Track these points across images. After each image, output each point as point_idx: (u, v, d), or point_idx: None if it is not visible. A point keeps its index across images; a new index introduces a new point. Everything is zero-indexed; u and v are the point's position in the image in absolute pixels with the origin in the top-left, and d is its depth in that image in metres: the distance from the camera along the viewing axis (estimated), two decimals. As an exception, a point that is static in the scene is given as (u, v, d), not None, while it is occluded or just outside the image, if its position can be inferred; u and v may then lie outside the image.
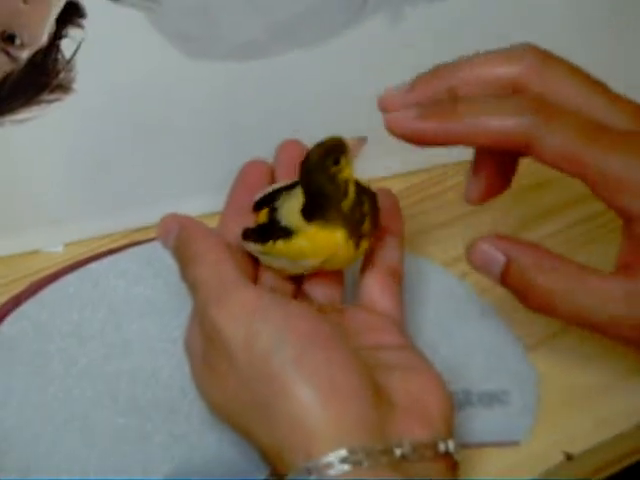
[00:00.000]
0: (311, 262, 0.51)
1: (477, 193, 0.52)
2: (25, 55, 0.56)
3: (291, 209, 0.51)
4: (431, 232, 0.62)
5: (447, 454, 0.46)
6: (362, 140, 0.51)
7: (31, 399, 0.54)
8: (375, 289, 0.53)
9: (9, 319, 0.58)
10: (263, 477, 0.50)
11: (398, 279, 0.54)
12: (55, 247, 0.64)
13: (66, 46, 0.58)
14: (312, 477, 0.43)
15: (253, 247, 0.53)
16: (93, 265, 0.62)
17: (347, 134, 0.50)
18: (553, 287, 0.47)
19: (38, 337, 0.57)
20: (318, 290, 0.54)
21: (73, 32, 0.57)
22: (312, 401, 0.44)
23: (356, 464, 0.43)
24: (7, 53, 0.56)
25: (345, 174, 0.50)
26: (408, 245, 0.58)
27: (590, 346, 0.54)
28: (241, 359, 0.46)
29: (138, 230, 0.63)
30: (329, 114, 0.62)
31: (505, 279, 0.48)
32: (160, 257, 0.57)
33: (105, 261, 0.62)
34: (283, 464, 0.45)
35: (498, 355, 0.55)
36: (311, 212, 0.50)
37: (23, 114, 0.58)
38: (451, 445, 0.46)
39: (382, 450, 0.44)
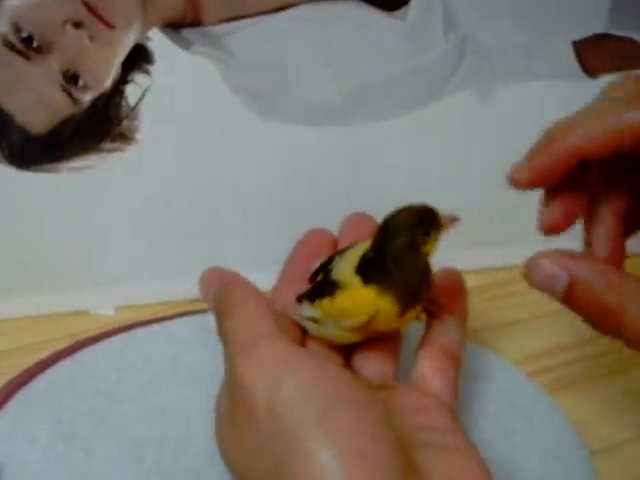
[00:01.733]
0: (352, 322, 0.48)
1: (553, 219, 0.47)
2: (88, 98, 0.56)
3: (343, 267, 0.49)
4: (505, 328, 0.61)
5: None
6: (455, 219, 0.49)
7: (54, 451, 0.52)
8: (428, 368, 0.50)
9: (45, 374, 0.57)
10: None
11: (455, 362, 0.51)
12: (105, 309, 0.61)
13: (131, 93, 0.56)
14: None
15: (302, 312, 0.51)
16: (140, 330, 0.60)
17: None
18: (622, 306, 0.43)
19: (70, 393, 0.56)
20: (368, 364, 0.51)
21: (139, 78, 0.57)
22: (331, 464, 0.40)
23: None
24: (69, 94, 0.55)
25: (429, 248, 0.48)
26: (479, 339, 0.58)
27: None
28: (262, 414, 0.42)
29: (193, 301, 0.59)
30: (404, 190, 0.58)
31: (569, 298, 0.45)
32: (212, 328, 0.53)
33: (154, 327, 0.60)
34: None
35: (558, 457, 0.52)
36: (372, 274, 0.48)
37: (81, 162, 0.57)
38: None
39: None
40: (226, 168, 0.60)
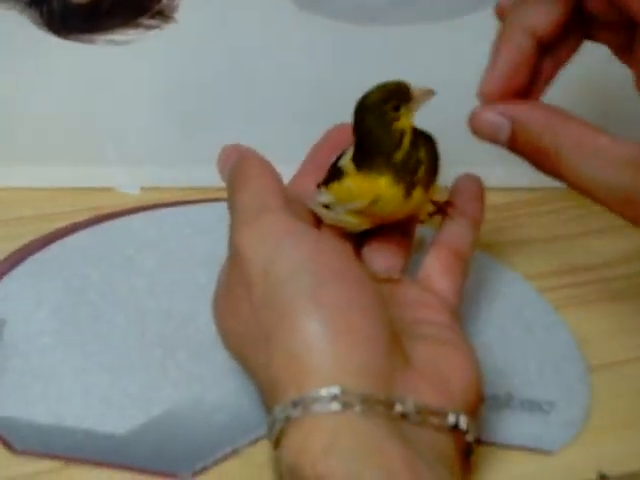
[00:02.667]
0: (359, 204, 0.49)
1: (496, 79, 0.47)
2: None
3: (348, 155, 0.50)
4: (522, 245, 0.61)
5: (457, 430, 0.42)
6: (429, 92, 0.49)
7: (60, 312, 0.54)
8: (434, 266, 0.51)
9: (62, 241, 0.58)
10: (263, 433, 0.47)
11: (463, 263, 0.51)
12: (131, 188, 0.63)
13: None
14: (296, 411, 0.40)
15: (317, 199, 0.51)
16: (162, 210, 0.61)
17: (453, 122, 0.48)
18: (560, 146, 0.44)
19: (84, 262, 0.57)
20: (376, 257, 0.52)
21: (181, -43, 0.55)
22: (316, 334, 0.41)
23: (347, 406, 0.40)
24: None
25: (402, 124, 0.48)
26: (494, 253, 0.58)
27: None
28: (258, 285, 0.43)
29: (219, 189, 0.59)
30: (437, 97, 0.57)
31: (512, 143, 0.46)
32: None
33: (176, 209, 0.62)
34: (275, 400, 0.42)
35: (555, 368, 0.53)
36: (359, 159, 0.49)
37: (119, 35, 0.58)
38: (463, 420, 0.42)
39: (380, 400, 0.40)
40: (261, 56, 0.60)
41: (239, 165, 0.48)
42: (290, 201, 0.47)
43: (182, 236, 0.59)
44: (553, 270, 0.58)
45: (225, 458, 0.47)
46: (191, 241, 0.58)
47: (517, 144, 0.45)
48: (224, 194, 0.59)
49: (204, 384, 0.50)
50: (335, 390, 0.40)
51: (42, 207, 0.61)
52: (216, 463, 0.47)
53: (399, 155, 0.48)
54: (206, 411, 0.49)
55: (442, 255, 0.51)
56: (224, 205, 0.58)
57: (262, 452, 0.46)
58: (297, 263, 0.43)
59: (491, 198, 0.55)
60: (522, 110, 0.46)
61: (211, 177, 0.60)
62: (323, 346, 0.41)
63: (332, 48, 0.60)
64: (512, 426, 0.49)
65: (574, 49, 0.49)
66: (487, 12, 0.59)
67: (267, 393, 0.42)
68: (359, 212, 0.49)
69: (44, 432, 0.47)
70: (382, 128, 0.48)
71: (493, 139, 0.46)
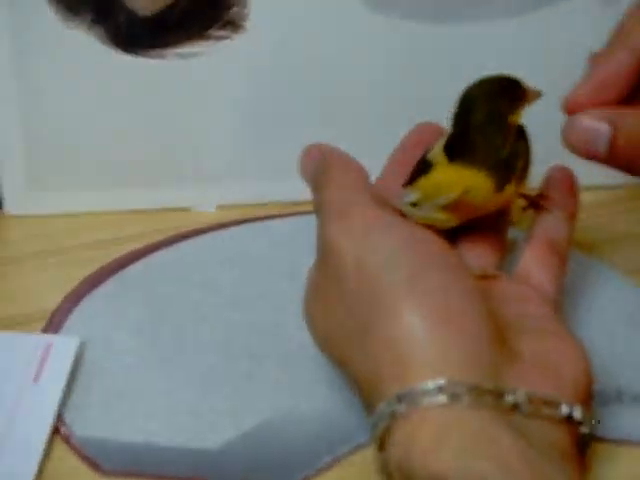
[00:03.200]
0: (446, 198, 0.47)
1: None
2: None
3: (437, 147, 0.48)
4: (619, 242, 0.59)
5: (572, 421, 0.40)
6: (539, 93, 0.47)
7: (142, 331, 0.52)
8: (531, 260, 0.49)
9: (142, 261, 0.57)
10: (364, 440, 0.46)
11: (560, 256, 0.50)
12: (207, 207, 0.61)
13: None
14: (401, 406, 0.38)
15: (404, 198, 0.49)
16: (240, 227, 0.60)
17: (535, 119, 0.47)
18: None
19: (164, 281, 0.56)
20: (471, 255, 0.50)
21: (250, -36, 0.54)
22: (417, 325, 0.39)
23: (455, 398, 0.38)
24: None
25: (515, 120, 0.47)
26: (591, 251, 0.57)
27: None
28: (351, 279, 0.42)
29: (296, 203, 0.58)
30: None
31: (614, 151, 0.42)
32: (312, 228, 0.53)
33: (254, 225, 0.60)
34: (377, 397, 0.39)
35: None
36: (457, 149, 0.47)
37: (188, 48, 0.56)
38: (578, 411, 0.40)
39: (489, 390, 0.38)
40: (336, 61, 0.59)
41: (323, 163, 0.47)
42: (377, 199, 0.46)
43: (261, 250, 0.57)
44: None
45: (325, 468, 0.45)
46: (271, 255, 0.57)
47: (618, 148, 0.42)
48: (301, 208, 0.59)
49: (295, 393, 0.48)
50: (442, 382, 0.38)
51: (119, 230, 0.60)
52: (316, 473, 0.45)
53: (504, 152, 0.46)
54: (300, 421, 0.47)
55: (540, 249, 0.49)
56: (303, 218, 0.58)
57: (363, 459, 0.44)
58: (391, 252, 0.41)
59: (583, 197, 0.53)
60: (621, 112, 0.43)
61: (288, 191, 0.59)
62: (425, 336, 0.39)
63: (407, 48, 0.59)
64: (626, 421, 0.47)
65: None
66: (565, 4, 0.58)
67: (366, 391, 0.40)
68: (448, 207, 0.47)
69: (132, 451, 0.46)
70: (495, 122, 0.46)
71: (590, 149, 0.43)
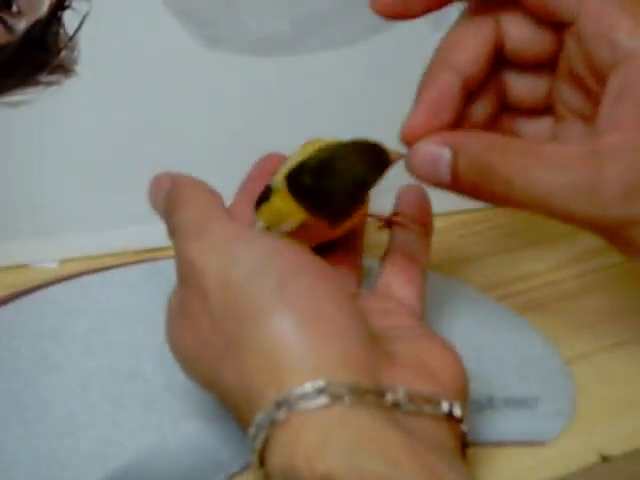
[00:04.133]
0: (288, 225, 0.47)
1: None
2: (22, 26, 0.54)
3: (279, 173, 0.49)
4: (472, 261, 0.61)
5: (452, 418, 0.40)
6: (401, 156, 0.46)
7: None
8: (392, 275, 0.50)
9: None
10: (238, 468, 0.45)
11: (420, 269, 0.50)
12: (48, 262, 0.59)
13: (69, 20, 0.53)
14: (280, 412, 0.37)
15: (256, 225, 0.50)
16: (87, 277, 0.57)
17: None
18: (508, 167, 0.42)
19: (10, 335, 0.53)
20: None
21: (77, 4, 0.54)
22: (288, 330, 0.39)
23: (336, 398, 0.37)
24: (2, 21, 0.52)
25: (374, 184, 0.47)
26: (446, 270, 0.58)
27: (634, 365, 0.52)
28: (216, 294, 0.41)
29: (140, 252, 0.57)
30: (351, 122, 0.55)
31: (455, 175, 0.43)
32: (163, 273, 0.54)
33: (101, 274, 0.58)
34: (254, 409, 0.38)
35: (532, 366, 0.52)
36: (300, 190, 0.47)
37: (18, 96, 0.54)
38: (457, 408, 0.40)
39: (369, 389, 0.38)
40: (168, 102, 0.58)
41: (174, 187, 0.46)
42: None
43: (111, 299, 0.55)
44: (505, 279, 0.58)
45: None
46: (122, 302, 0.55)
47: (460, 173, 0.43)
48: (147, 255, 0.57)
49: (162, 431, 0.46)
50: (320, 383, 0.37)
51: None
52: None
53: (343, 200, 0.47)
54: (169, 456, 0.45)
55: (398, 263, 0.50)
56: (150, 265, 0.57)
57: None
58: (256, 263, 0.40)
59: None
60: (461, 136, 0.44)
61: (131, 240, 0.58)
62: (297, 340, 0.38)
63: (243, 83, 0.59)
64: (499, 424, 0.48)
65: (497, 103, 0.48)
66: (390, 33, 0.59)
67: (243, 406, 0.39)
68: (291, 233, 0.48)
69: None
70: (354, 189, 0.46)
71: (433, 175, 0.44)
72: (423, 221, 0.51)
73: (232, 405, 0.40)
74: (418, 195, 0.52)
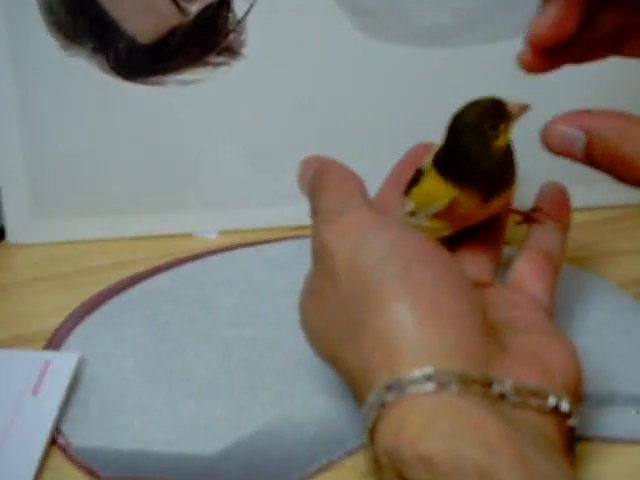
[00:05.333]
0: (437, 206, 0.49)
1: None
2: (195, 8, 0.57)
3: (429, 157, 0.51)
4: (614, 257, 0.61)
5: (559, 412, 0.41)
6: (525, 107, 0.49)
7: (142, 349, 0.53)
8: (525, 269, 0.51)
9: (143, 283, 0.59)
10: (357, 446, 0.46)
11: (553, 265, 0.51)
12: (208, 233, 0.63)
13: (238, 5, 0.56)
14: (390, 395, 0.39)
15: (399, 212, 0.52)
16: (240, 250, 0.61)
17: (527, 142, 0.48)
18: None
19: (165, 302, 0.57)
20: (466, 262, 0.52)
21: (247, -11, 0.56)
22: (406, 316, 0.40)
23: (443, 386, 0.38)
24: (177, 4, 0.56)
25: (501, 142, 0.49)
26: (585, 265, 0.58)
27: None
28: (343, 275, 0.43)
29: (297, 228, 0.59)
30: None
31: (589, 156, 0.43)
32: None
33: (253, 248, 0.62)
34: (368, 389, 0.40)
35: None
36: (445, 166, 0.49)
37: (188, 75, 0.57)
38: (565, 403, 0.41)
39: (477, 379, 0.39)
40: (333, 85, 0.61)
41: (320, 172, 0.48)
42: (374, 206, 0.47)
43: (260, 272, 0.59)
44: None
45: (321, 470, 0.46)
46: (270, 276, 0.58)
47: (594, 156, 0.43)
48: (299, 232, 0.60)
49: (293, 402, 0.49)
50: (429, 370, 0.39)
51: (122, 256, 0.61)
52: (312, 475, 0.45)
53: (492, 171, 0.48)
54: (297, 426, 0.48)
55: (532, 258, 0.51)
56: (299, 241, 0.60)
57: (359, 463, 0.44)
58: (382, 249, 0.42)
59: (573, 218, 0.54)
60: (596, 120, 0.44)
61: (288, 216, 0.60)
62: (412, 327, 0.40)
63: (404, 72, 0.60)
64: (619, 421, 0.48)
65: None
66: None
67: (360, 385, 0.41)
68: (438, 215, 0.50)
69: (130, 458, 0.47)
70: (481, 148, 0.48)
71: (568, 153, 0.44)
72: (562, 219, 0.52)
73: (351, 382, 0.43)
74: (559, 192, 0.53)
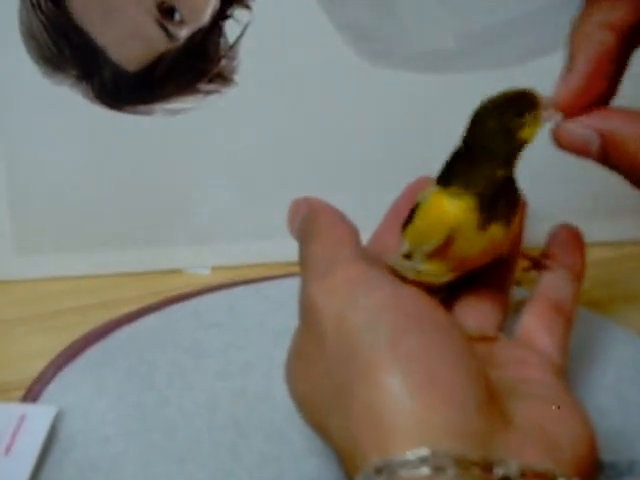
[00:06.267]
0: (432, 244, 0.45)
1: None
2: (184, 34, 0.54)
3: (428, 188, 0.47)
4: (634, 299, 0.57)
5: None
6: (553, 100, 0.44)
7: (123, 400, 0.50)
8: (534, 322, 0.47)
9: (129, 326, 0.55)
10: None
11: (565, 317, 0.47)
12: (201, 269, 0.60)
13: (230, 29, 0.54)
14: (380, 479, 0.36)
15: (396, 254, 0.48)
16: (234, 289, 0.58)
17: (540, 173, 0.47)
18: None
19: (152, 347, 0.54)
20: (469, 312, 0.48)
21: (239, 13, 0.54)
22: (397, 390, 0.37)
23: (439, 470, 0.35)
24: (165, 29, 0.53)
25: (527, 134, 0.44)
26: (604, 310, 0.55)
27: None
28: (331, 338, 0.40)
29: (296, 264, 0.55)
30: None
31: (604, 156, 0.41)
32: None
33: (248, 287, 0.58)
34: (356, 467, 0.37)
35: None
36: (451, 169, 0.45)
37: (176, 104, 0.55)
38: None
39: (476, 462, 0.36)
40: (331, 115, 0.58)
41: (309, 217, 0.46)
42: (367, 255, 0.44)
43: (255, 314, 0.56)
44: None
45: None
46: (265, 318, 0.55)
47: (610, 159, 0.41)
48: (298, 268, 0.56)
49: (282, 467, 0.46)
50: (424, 452, 0.35)
51: (108, 294, 0.59)
52: None
53: (502, 173, 0.44)
54: None
55: (542, 310, 0.47)
56: (298, 281, 0.56)
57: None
58: (372, 312, 0.39)
59: (594, 253, 0.51)
60: (611, 124, 0.41)
61: (286, 251, 0.57)
62: (405, 402, 0.37)
63: (401, 100, 0.57)
64: None
65: None
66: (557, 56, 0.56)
67: (347, 461, 0.38)
68: (436, 255, 0.46)
69: (106, 528, 0.43)
70: (502, 135, 0.44)
71: (583, 152, 0.42)
72: (576, 267, 0.49)
73: (339, 456, 0.40)
74: (572, 235, 0.49)
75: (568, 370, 0.47)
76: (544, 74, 0.55)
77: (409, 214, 0.48)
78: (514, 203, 0.46)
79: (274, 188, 0.59)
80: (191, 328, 0.54)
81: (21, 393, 0.51)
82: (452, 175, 0.45)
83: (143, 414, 0.49)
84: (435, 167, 0.51)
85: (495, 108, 0.44)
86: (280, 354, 0.51)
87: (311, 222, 0.45)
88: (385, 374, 0.37)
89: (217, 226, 0.59)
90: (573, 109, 0.42)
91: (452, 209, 0.44)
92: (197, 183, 0.59)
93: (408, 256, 0.47)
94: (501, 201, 0.44)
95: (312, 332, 0.41)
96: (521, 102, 0.44)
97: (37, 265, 0.59)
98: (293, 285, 0.56)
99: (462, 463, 0.35)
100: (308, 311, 0.42)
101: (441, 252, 0.46)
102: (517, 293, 0.51)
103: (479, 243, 0.45)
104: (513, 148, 0.44)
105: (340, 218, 0.45)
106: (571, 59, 0.42)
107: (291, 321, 0.53)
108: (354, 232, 0.44)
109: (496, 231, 0.45)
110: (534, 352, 0.45)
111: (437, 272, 0.46)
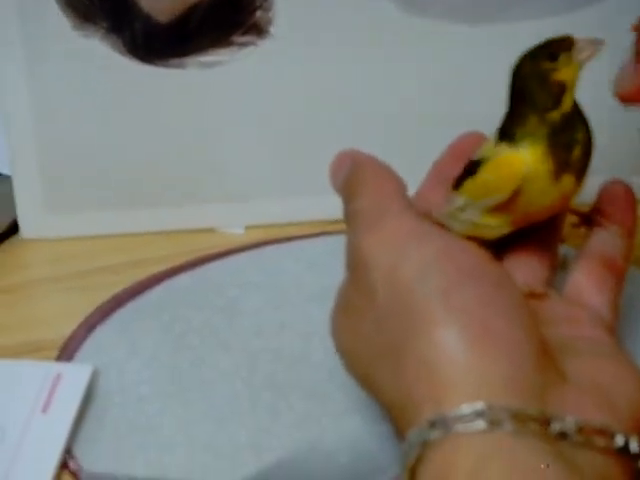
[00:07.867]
0: (497, 197, 0.44)
1: None
2: None
3: (485, 145, 0.46)
4: None
5: (626, 453, 0.36)
6: (597, 42, 0.43)
7: (158, 360, 0.50)
8: (584, 280, 0.47)
9: (161, 286, 0.55)
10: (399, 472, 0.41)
11: (616, 275, 0.47)
12: (235, 228, 0.60)
13: (265, -22, 0.53)
14: (435, 433, 0.35)
15: (445, 209, 0.47)
16: (269, 248, 0.58)
17: None
18: None
19: (185, 306, 0.54)
20: (518, 269, 0.47)
21: (275, -37, 0.52)
22: (452, 343, 0.37)
23: (495, 424, 0.35)
24: None
25: (562, 75, 0.43)
26: None
27: None
28: (382, 292, 0.40)
29: (331, 222, 0.57)
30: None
31: None
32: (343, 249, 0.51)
33: (282, 246, 0.58)
34: (408, 422, 0.37)
35: None
36: (507, 124, 0.45)
37: (210, 56, 0.54)
38: (634, 443, 0.37)
39: (534, 416, 0.35)
40: (368, 68, 0.57)
41: (354, 171, 0.45)
42: (415, 209, 0.43)
43: (290, 273, 0.55)
44: None
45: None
46: (300, 277, 0.55)
47: None
48: (333, 227, 0.57)
49: (321, 426, 0.46)
50: (480, 406, 0.35)
51: (139, 253, 0.58)
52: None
53: (555, 115, 0.43)
54: (325, 454, 0.45)
55: (593, 267, 0.47)
56: (333, 238, 0.57)
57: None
58: (424, 264, 0.39)
59: None
60: None
61: (320, 209, 0.56)
62: (460, 355, 0.36)
63: (441, 51, 0.56)
64: None
65: None
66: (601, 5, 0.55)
67: (397, 415, 0.38)
68: (499, 209, 0.45)
69: (145, 487, 0.44)
70: (537, 79, 0.43)
71: None
72: (627, 223, 0.48)
73: (387, 409, 0.39)
74: (623, 191, 0.49)
75: (617, 329, 0.46)
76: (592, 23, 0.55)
77: (466, 168, 0.47)
78: (586, 155, 0.45)
79: (309, 145, 0.58)
80: (225, 287, 0.54)
81: (54, 352, 0.51)
82: (511, 128, 0.44)
83: (179, 374, 0.49)
84: (478, 125, 0.50)
85: (529, 54, 0.44)
86: (315, 313, 0.52)
87: (357, 176, 0.44)
88: (439, 327, 0.37)
89: (250, 183, 0.59)
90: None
91: (524, 158, 0.43)
92: (230, 139, 0.58)
93: (462, 210, 0.46)
94: (575, 148, 0.44)
95: (361, 285, 0.41)
96: (554, 46, 0.43)
97: (68, 223, 0.59)
98: (328, 243, 0.57)
99: (519, 417, 0.35)
100: (357, 264, 0.41)
101: (505, 206, 0.45)
102: (562, 250, 0.50)
103: (550, 195, 0.45)
104: (552, 91, 0.43)
105: (387, 170, 0.44)
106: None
107: (327, 280, 0.52)
108: (402, 185, 0.44)
109: (568, 182, 0.44)
110: (584, 309, 0.45)
111: (497, 225, 0.46)
